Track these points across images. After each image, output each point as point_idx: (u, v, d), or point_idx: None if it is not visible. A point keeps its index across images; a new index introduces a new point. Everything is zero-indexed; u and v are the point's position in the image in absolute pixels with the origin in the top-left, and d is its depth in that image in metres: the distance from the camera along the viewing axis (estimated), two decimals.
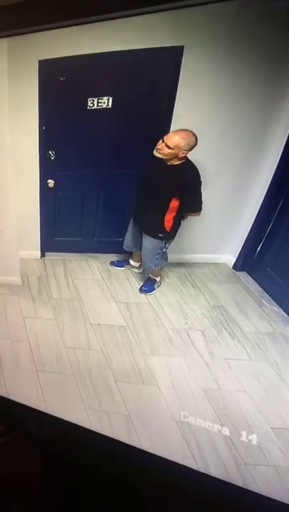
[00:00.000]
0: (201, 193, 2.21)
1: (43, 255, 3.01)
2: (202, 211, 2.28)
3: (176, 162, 2.14)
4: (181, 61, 2.11)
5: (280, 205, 2.20)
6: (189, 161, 2.15)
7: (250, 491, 1.67)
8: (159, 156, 2.13)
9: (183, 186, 2.18)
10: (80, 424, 1.95)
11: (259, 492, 1.67)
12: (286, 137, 2.07)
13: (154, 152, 2.14)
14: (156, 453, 1.79)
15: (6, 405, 2.14)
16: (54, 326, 2.48)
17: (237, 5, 1.72)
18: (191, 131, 2.05)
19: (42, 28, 2.05)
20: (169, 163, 2.15)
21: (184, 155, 2.10)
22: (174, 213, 2.26)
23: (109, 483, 1.73)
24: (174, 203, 2.23)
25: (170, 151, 2.09)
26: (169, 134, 2.11)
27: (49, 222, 2.87)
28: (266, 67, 2.03)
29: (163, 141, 2.10)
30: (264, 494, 1.64)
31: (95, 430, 1.94)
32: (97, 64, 2.23)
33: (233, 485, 1.69)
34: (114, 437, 1.90)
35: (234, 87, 2.10)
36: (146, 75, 2.26)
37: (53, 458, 1.90)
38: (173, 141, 2.07)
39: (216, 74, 2.09)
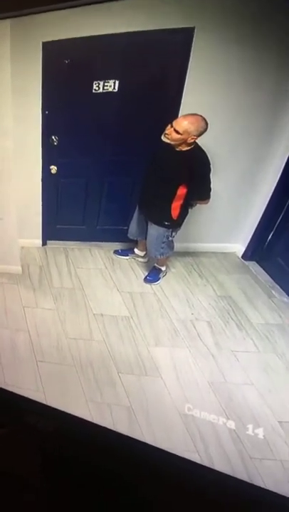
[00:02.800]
0: (210, 180, 2.14)
1: (44, 244, 2.95)
2: (211, 199, 2.22)
3: (185, 148, 2.09)
4: (191, 43, 2.05)
5: None
6: (199, 146, 2.09)
7: (255, 486, 1.65)
8: (167, 141, 2.07)
9: (191, 173, 2.12)
10: (80, 416, 1.92)
11: (264, 487, 1.64)
12: None
13: (162, 137, 2.08)
14: (159, 446, 1.77)
15: (4, 397, 2.10)
16: (55, 316, 2.44)
17: None
18: (201, 116, 1.99)
19: (46, 8, 2.00)
20: (177, 149, 2.10)
21: (193, 140, 2.04)
22: (182, 201, 2.20)
23: (111, 476, 1.69)
24: (182, 191, 2.17)
25: (179, 136, 2.03)
26: (178, 119, 2.05)
27: (51, 210, 2.82)
28: (279, 53, 1.96)
29: (171, 126, 2.03)
30: (269, 489, 1.62)
31: (96, 423, 1.91)
32: (104, 46, 2.17)
33: (238, 479, 1.67)
34: (116, 430, 1.87)
35: (246, 72, 2.04)
36: (154, 58, 2.19)
37: (52, 451, 1.86)
38: (182, 125, 2.01)
39: (228, 57, 2.02)
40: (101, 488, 1.70)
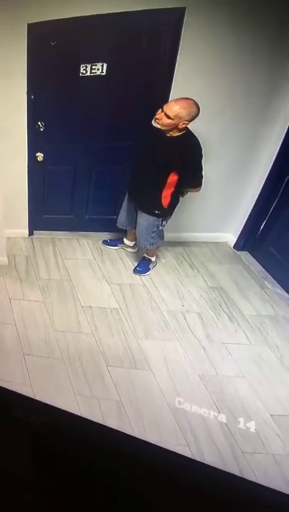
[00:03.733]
0: (201, 167, 2.09)
1: (31, 234, 2.90)
2: (202, 187, 2.17)
3: (176, 133, 2.02)
4: (182, 25, 1.99)
5: (286, 180, 2.14)
6: (190, 132, 2.03)
7: (246, 480, 1.63)
8: (158, 126, 2.00)
9: (182, 160, 2.06)
10: (69, 410, 1.88)
11: (256, 481, 1.62)
12: None
13: (153, 122, 2.01)
14: (148, 440, 1.74)
15: None
16: (42, 308, 2.39)
17: None
18: (193, 100, 1.93)
19: None
20: (168, 135, 2.03)
21: (184, 126, 1.98)
22: (172, 189, 2.15)
23: (99, 471, 1.66)
24: (173, 178, 2.11)
25: (170, 121, 1.96)
26: (168, 103, 1.98)
27: (38, 199, 2.76)
28: (273, 37, 1.94)
29: (162, 111, 1.96)
30: (261, 483, 1.60)
31: (84, 417, 1.88)
32: (91, 27, 2.09)
33: (229, 473, 1.64)
34: (105, 424, 1.84)
35: (239, 55, 1.99)
36: (144, 40, 2.14)
37: (39, 445, 1.82)
38: (173, 110, 1.94)
39: (220, 40, 1.98)
40: (90, 482, 1.67)
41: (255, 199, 2.31)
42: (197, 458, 1.72)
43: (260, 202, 2.29)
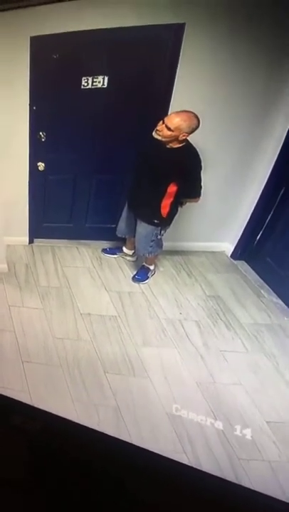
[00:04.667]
0: (200, 178, 2.13)
1: (31, 242, 2.92)
2: (201, 197, 2.21)
3: (176, 145, 2.07)
4: (182, 39, 2.04)
5: (282, 191, 2.17)
6: (190, 144, 2.08)
7: (242, 487, 1.64)
8: (159, 138, 2.04)
9: (182, 171, 2.10)
10: (66, 417, 1.88)
11: (252, 487, 1.63)
12: None
13: (154, 134, 2.05)
14: (146, 447, 1.74)
15: None
16: (41, 315, 2.40)
17: None
18: (193, 113, 1.97)
19: (34, 2, 1.96)
20: (168, 146, 2.08)
21: (184, 138, 2.02)
22: (172, 199, 2.19)
23: (97, 477, 1.66)
24: (172, 188, 2.15)
25: (170, 133, 2.00)
26: (169, 115, 2.03)
27: (38, 207, 2.79)
28: (270, 50, 1.98)
29: (163, 123, 2.01)
30: (257, 490, 1.60)
31: (82, 424, 1.88)
32: (93, 41, 2.14)
33: (226, 480, 1.65)
34: (103, 431, 1.84)
35: (236, 70, 2.04)
36: (145, 54, 2.18)
37: (37, 452, 1.82)
38: (174, 122, 1.98)
39: (218, 55, 2.02)
40: (88, 489, 1.67)
41: (252, 209, 2.33)
42: (194, 465, 1.73)
43: (256, 212, 2.31)
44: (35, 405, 1.96)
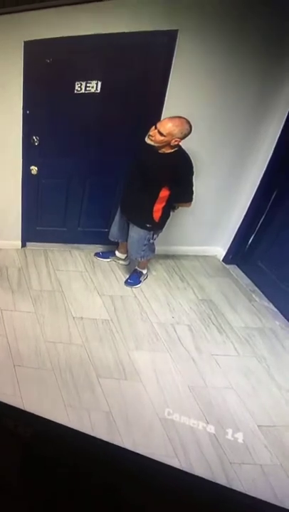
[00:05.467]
0: (192, 183, 2.14)
1: (24, 245, 2.92)
2: (193, 202, 2.21)
3: (169, 150, 2.08)
4: (174, 45, 2.06)
5: (273, 196, 2.19)
6: (182, 149, 2.09)
7: (234, 490, 1.63)
8: (151, 143, 2.06)
9: (174, 176, 2.11)
10: (58, 421, 1.87)
11: (244, 491, 1.63)
12: (281, 129, 2.05)
13: (146, 139, 2.07)
14: (138, 451, 1.74)
15: None
16: (34, 319, 2.39)
17: None
18: (186, 119, 1.99)
19: (29, 7, 1.97)
20: (160, 151, 2.09)
21: (176, 143, 2.03)
22: (164, 203, 2.20)
23: (88, 481, 1.65)
24: (164, 193, 2.16)
25: (163, 138, 2.01)
26: (162, 121, 2.04)
27: (31, 211, 2.79)
28: (262, 57, 2.01)
29: (156, 128, 2.02)
30: (248, 493, 1.60)
31: (74, 428, 1.87)
32: (87, 46, 2.16)
33: (218, 484, 1.65)
34: (95, 435, 1.83)
35: (229, 75, 2.06)
36: (138, 59, 2.20)
37: (29, 456, 1.81)
38: (166, 127, 2.00)
39: (211, 61, 2.05)
40: (80, 493, 1.66)
41: (243, 215, 2.35)
42: (186, 469, 1.72)
43: (248, 217, 2.33)
44: (27, 410, 1.95)
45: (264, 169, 2.18)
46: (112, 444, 1.80)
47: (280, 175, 2.14)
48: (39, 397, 2.03)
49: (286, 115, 2.04)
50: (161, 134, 2.01)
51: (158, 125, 2.02)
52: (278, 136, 2.07)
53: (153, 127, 2.03)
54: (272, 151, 2.12)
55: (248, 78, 2.06)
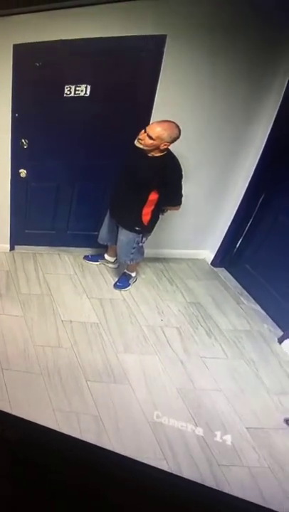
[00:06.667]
0: (181, 186, 2.17)
1: (12, 248, 2.90)
2: (182, 205, 2.24)
3: (158, 154, 2.10)
4: (163, 50, 2.07)
5: (260, 200, 2.21)
6: (171, 153, 2.11)
7: (222, 493, 1.64)
8: (140, 146, 2.08)
9: (163, 179, 2.14)
10: (46, 425, 1.86)
11: (232, 493, 1.63)
12: (268, 133, 2.08)
13: (136, 142, 2.09)
14: (126, 454, 1.74)
15: None
16: (22, 322, 2.38)
17: None
18: (175, 123, 2.02)
19: (18, 10, 1.97)
20: (150, 155, 2.11)
21: (165, 147, 2.06)
22: (153, 206, 2.21)
23: (77, 485, 1.65)
24: (153, 196, 2.18)
25: (152, 141, 2.04)
26: (151, 124, 2.07)
27: (20, 214, 2.77)
28: (249, 61, 2.03)
29: (145, 132, 2.05)
30: (237, 495, 1.61)
31: (62, 432, 1.86)
32: (76, 50, 2.16)
33: (206, 486, 1.65)
34: (83, 439, 1.83)
35: (216, 79, 2.08)
36: (127, 64, 2.21)
37: (17, 461, 1.80)
38: (155, 131, 2.02)
39: (199, 65, 2.06)
40: (69, 497, 1.65)
41: (231, 218, 2.37)
42: (174, 471, 1.73)
43: (236, 221, 2.35)
44: (15, 414, 1.94)
45: (252, 173, 2.20)
46: (101, 448, 1.79)
47: (267, 179, 2.17)
48: (27, 401, 2.02)
49: (273, 120, 2.07)
50: (150, 137, 2.03)
51: (147, 129, 2.05)
52: (265, 140, 2.10)
53: (142, 131, 2.06)
54: (259, 156, 2.15)
55: (236, 84, 2.09)
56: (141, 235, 2.32)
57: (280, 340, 2.13)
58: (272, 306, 2.25)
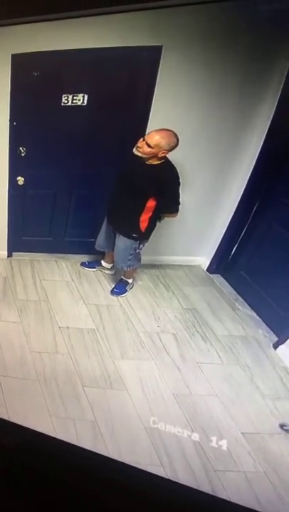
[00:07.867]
0: (179, 194, 2.20)
1: (9, 255, 2.91)
2: (179, 213, 2.27)
3: (156, 162, 2.14)
4: (159, 60, 2.11)
5: (255, 207, 2.24)
6: (169, 161, 2.14)
7: (218, 498, 1.65)
8: (139, 154, 2.11)
9: (161, 186, 2.17)
10: (43, 432, 1.86)
11: (228, 499, 1.64)
12: (262, 141, 2.11)
13: (134, 150, 2.12)
14: (123, 460, 1.74)
15: None
16: (19, 329, 2.38)
17: (216, 8, 1.77)
18: (173, 132, 2.06)
19: (17, 21, 2.01)
20: (148, 163, 2.14)
21: (163, 155, 2.09)
22: (150, 214, 2.24)
23: (74, 492, 1.65)
24: (151, 203, 2.21)
25: (150, 149, 2.08)
26: (150, 133, 2.11)
27: (17, 221, 2.78)
28: (243, 72, 2.06)
29: (144, 140, 2.09)
30: (233, 501, 1.62)
31: (59, 438, 1.86)
32: (74, 60, 2.20)
33: (202, 492, 1.66)
34: (80, 445, 1.83)
35: (211, 88, 2.12)
36: (123, 74, 2.25)
37: (14, 468, 1.79)
38: (154, 139, 2.07)
39: (194, 75, 2.10)
40: (66, 504, 1.65)
41: (226, 225, 2.39)
42: (171, 477, 1.73)
43: (231, 228, 2.37)
44: (12, 420, 1.94)
45: (246, 182, 2.23)
46: (98, 454, 1.79)
47: (261, 188, 2.20)
48: (24, 407, 2.02)
49: (267, 129, 2.10)
50: (149, 145, 2.07)
51: (146, 137, 2.09)
52: (259, 149, 2.14)
53: (141, 139, 2.10)
54: (253, 164, 2.18)
55: (231, 93, 2.12)
56: (138, 242, 2.34)
57: (275, 346, 2.15)
58: (267, 312, 2.26)
